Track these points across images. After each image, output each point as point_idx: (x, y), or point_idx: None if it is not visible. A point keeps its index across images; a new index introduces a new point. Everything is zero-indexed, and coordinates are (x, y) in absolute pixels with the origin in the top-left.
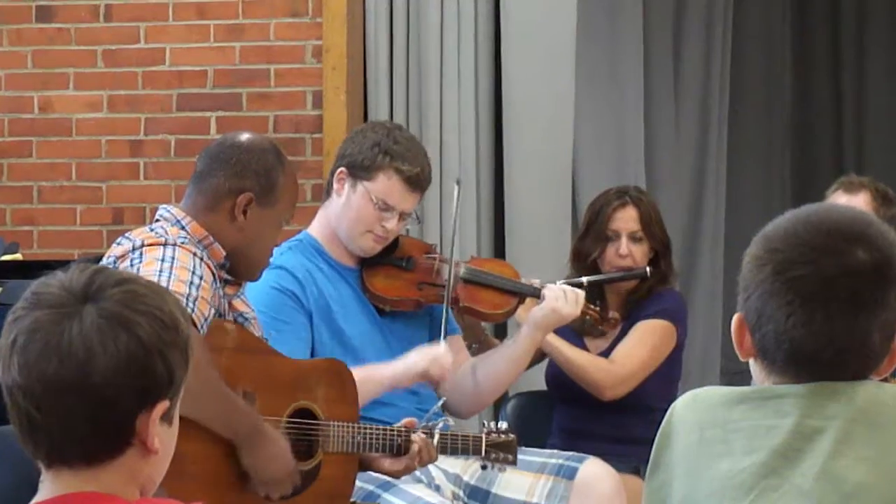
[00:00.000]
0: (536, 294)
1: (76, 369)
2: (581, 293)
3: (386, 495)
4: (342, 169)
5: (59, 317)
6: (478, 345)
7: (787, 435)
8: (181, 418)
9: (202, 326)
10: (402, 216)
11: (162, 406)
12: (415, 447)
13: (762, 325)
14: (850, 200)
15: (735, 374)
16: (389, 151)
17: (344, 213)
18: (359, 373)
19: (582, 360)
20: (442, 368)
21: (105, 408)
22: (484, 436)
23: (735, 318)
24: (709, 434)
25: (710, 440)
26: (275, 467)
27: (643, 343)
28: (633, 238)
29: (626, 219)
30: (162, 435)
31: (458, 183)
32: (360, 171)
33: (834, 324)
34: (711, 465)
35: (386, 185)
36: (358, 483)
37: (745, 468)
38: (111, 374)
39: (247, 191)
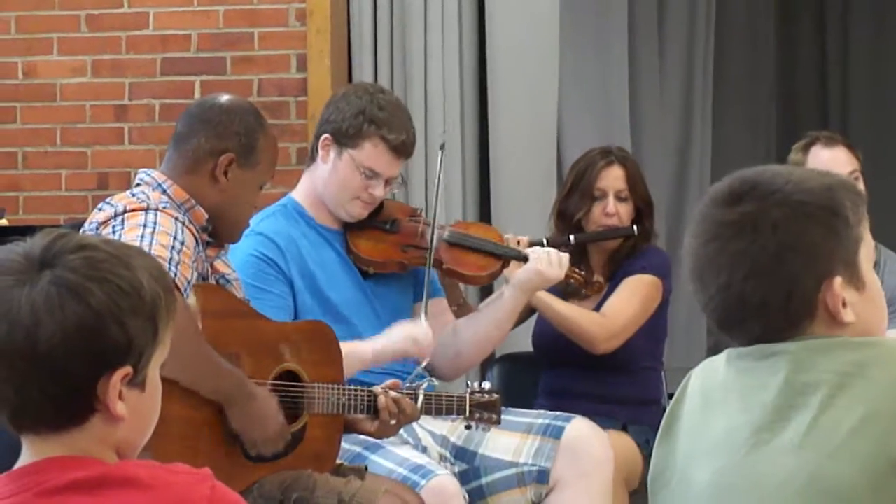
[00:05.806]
0: (520, 257)
1: (24, 336)
2: (565, 256)
3: (373, 456)
4: (327, 136)
5: (15, 283)
6: (456, 308)
7: (777, 391)
8: (166, 381)
9: (185, 290)
10: (389, 181)
11: (122, 372)
12: (382, 405)
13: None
14: (833, 152)
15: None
16: (374, 119)
17: (330, 181)
18: (342, 348)
19: (574, 314)
20: (422, 348)
21: (56, 375)
22: (468, 396)
23: None
24: (711, 396)
25: (712, 401)
26: (264, 427)
27: (633, 297)
28: (619, 197)
29: (613, 178)
30: (133, 401)
31: (442, 148)
32: (345, 138)
33: (708, 289)
34: (710, 423)
35: (372, 153)
36: (345, 444)
37: (739, 425)
38: (58, 341)
39: (228, 152)
